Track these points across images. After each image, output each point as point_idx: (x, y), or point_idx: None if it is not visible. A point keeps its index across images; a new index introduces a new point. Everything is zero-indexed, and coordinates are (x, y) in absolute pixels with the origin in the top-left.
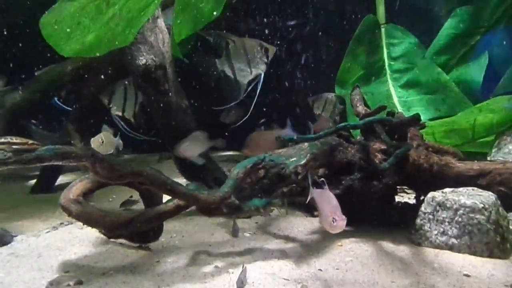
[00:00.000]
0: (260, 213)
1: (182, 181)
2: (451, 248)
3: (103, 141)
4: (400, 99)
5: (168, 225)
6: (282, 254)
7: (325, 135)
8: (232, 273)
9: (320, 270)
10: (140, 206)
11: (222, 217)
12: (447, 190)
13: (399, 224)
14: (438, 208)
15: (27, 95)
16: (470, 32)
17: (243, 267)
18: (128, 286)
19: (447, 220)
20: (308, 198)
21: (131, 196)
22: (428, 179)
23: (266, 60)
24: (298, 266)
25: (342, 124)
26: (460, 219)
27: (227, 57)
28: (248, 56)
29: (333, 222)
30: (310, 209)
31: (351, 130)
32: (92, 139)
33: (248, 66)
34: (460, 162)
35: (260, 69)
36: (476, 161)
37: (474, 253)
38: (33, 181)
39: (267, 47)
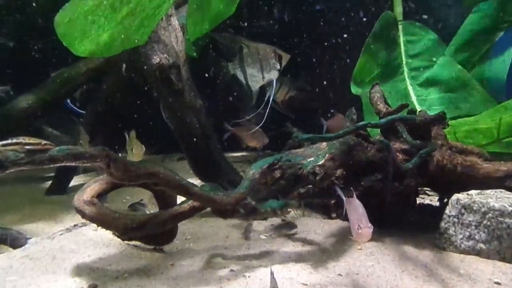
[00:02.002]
0: (276, 215)
1: (196, 182)
2: (478, 253)
3: (133, 150)
4: (418, 98)
5: (183, 227)
6: (300, 258)
7: (345, 134)
8: (249, 277)
9: (340, 275)
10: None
11: (237, 219)
12: (473, 192)
13: (421, 228)
14: (463, 211)
15: (42, 96)
16: (494, 28)
17: (271, 273)
18: None
19: (474, 224)
20: (344, 210)
21: (142, 200)
22: (452, 181)
23: (279, 67)
24: (316, 271)
25: (363, 122)
26: (488, 223)
27: (240, 62)
28: (261, 61)
29: (358, 230)
30: (328, 211)
31: (368, 130)
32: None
33: (260, 71)
34: (487, 162)
35: (272, 76)
36: (502, 162)
37: (503, 259)
38: (48, 183)
39: (280, 54)
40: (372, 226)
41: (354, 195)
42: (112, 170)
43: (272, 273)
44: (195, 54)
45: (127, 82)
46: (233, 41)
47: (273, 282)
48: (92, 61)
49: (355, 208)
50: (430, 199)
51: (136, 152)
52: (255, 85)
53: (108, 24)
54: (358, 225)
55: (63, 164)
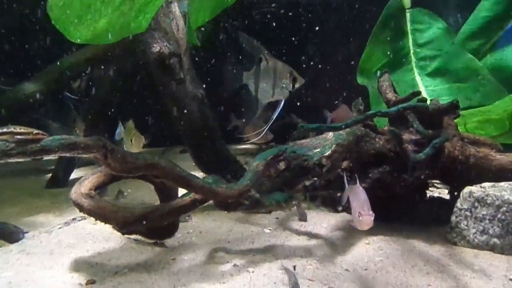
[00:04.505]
0: (281, 207)
1: (199, 174)
2: (492, 248)
3: (132, 140)
4: (427, 88)
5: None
6: (305, 252)
7: (354, 123)
8: (252, 272)
9: (347, 270)
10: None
11: (241, 211)
12: (486, 184)
13: (432, 221)
14: (476, 204)
15: (40, 86)
16: (507, 15)
17: (290, 270)
18: (142, 285)
19: (487, 217)
20: (344, 199)
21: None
22: (464, 173)
23: (291, 89)
24: (323, 266)
25: (372, 111)
26: (503, 217)
27: (256, 73)
28: (275, 79)
29: (359, 217)
30: (334, 204)
31: (375, 121)
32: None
33: (272, 88)
34: (500, 154)
35: (282, 96)
36: None
37: None
38: (48, 175)
39: (296, 77)
40: (373, 214)
41: (358, 182)
42: (109, 161)
43: (288, 269)
44: (198, 42)
45: (128, 71)
46: (256, 50)
47: (292, 278)
48: (91, 49)
49: (357, 195)
50: (439, 191)
51: (135, 142)
52: (263, 100)
53: (105, 9)
54: (359, 212)
55: (56, 154)
